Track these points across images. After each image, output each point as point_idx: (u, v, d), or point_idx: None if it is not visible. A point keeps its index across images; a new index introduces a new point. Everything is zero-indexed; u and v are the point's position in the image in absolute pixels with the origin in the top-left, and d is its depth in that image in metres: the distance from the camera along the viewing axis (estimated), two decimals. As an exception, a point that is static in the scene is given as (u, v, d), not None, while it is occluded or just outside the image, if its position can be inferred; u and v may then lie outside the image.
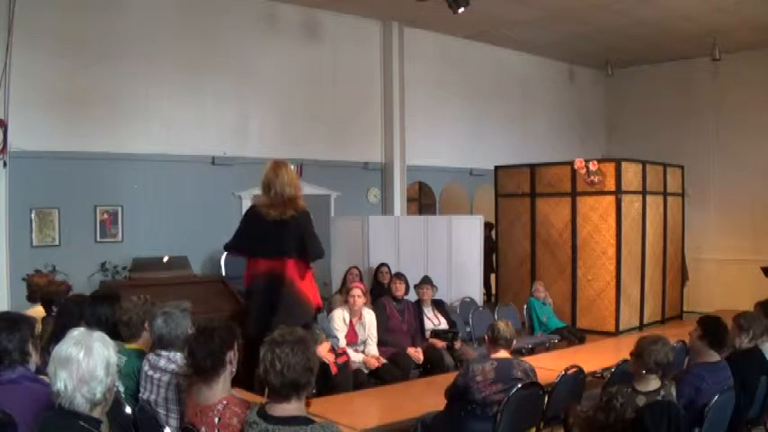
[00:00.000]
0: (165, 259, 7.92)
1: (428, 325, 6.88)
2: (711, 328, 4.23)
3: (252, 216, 4.89)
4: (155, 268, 7.75)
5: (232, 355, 3.01)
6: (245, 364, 3.32)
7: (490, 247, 9.80)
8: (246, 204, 9.00)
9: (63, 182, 7.62)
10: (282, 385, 2.57)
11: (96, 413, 2.39)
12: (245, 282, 5.06)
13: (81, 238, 7.73)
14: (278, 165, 4.83)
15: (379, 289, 7.31)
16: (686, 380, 4.08)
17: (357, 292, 6.06)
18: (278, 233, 4.71)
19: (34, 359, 2.93)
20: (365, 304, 6.22)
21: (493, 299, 9.81)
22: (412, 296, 7.02)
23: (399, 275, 6.91)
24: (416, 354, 6.29)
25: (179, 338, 3.50)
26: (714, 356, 4.22)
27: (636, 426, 3.61)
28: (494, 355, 4.22)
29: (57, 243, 7.58)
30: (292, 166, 4.69)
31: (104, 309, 3.95)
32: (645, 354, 3.71)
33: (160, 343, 3.54)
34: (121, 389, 3.29)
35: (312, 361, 2.62)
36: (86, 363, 2.35)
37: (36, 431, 2.38)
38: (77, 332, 2.47)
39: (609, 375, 4.79)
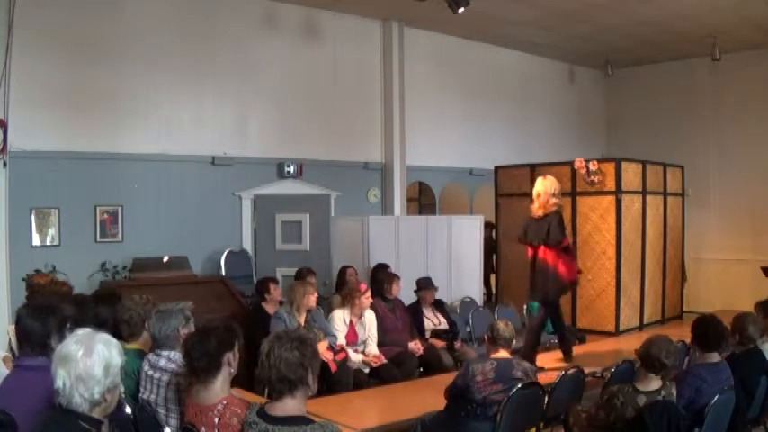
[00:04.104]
0: (165, 259, 7.91)
1: (428, 325, 6.88)
2: (701, 336, 4.26)
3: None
4: (155, 268, 7.74)
5: (231, 357, 2.99)
6: (247, 365, 3.34)
7: (490, 247, 9.79)
8: (246, 204, 9.05)
9: (63, 182, 7.61)
10: (278, 380, 2.58)
11: (96, 413, 2.37)
12: None
13: (81, 238, 7.71)
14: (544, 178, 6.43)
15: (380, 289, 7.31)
16: (686, 380, 4.08)
17: (367, 294, 6.10)
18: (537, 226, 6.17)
19: None
20: (365, 304, 6.25)
21: (493, 299, 9.80)
22: (412, 297, 7.02)
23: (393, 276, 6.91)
24: (416, 347, 6.31)
25: (169, 338, 3.52)
26: (714, 357, 4.22)
27: (636, 425, 3.61)
28: (494, 355, 4.23)
29: (57, 243, 7.57)
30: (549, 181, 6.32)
31: (105, 309, 3.95)
32: (656, 353, 3.72)
33: (155, 342, 3.55)
34: (121, 389, 3.29)
35: (308, 360, 2.61)
36: (84, 362, 2.34)
37: (37, 429, 2.36)
38: (82, 332, 2.47)
39: (609, 375, 4.80)
